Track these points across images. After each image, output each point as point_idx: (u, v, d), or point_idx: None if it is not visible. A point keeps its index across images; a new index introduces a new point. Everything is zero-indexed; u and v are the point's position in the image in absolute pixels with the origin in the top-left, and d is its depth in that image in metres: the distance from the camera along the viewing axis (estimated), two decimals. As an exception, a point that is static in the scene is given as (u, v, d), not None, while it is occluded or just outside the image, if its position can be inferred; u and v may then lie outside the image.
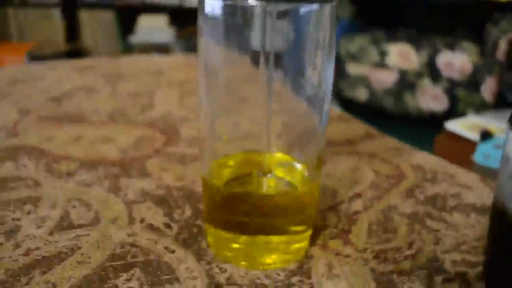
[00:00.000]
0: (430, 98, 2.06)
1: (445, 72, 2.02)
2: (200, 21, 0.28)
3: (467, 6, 2.33)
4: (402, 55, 2.11)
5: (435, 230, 0.35)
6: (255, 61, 0.28)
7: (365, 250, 0.32)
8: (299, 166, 0.32)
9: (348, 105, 2.29)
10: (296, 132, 0.32)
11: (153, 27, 2.63)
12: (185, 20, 2.71)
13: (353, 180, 0.43)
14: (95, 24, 2.70)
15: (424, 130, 2.06)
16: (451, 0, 2.32)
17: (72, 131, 0.52)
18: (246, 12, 0.27)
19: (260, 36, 0.27)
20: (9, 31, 2.73)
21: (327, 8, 0.27)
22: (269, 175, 0.31)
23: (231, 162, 0.33)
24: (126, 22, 2.68)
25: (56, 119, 0.56)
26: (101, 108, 0.60)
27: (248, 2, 0.26)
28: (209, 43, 0.29)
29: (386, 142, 0.52)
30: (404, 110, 2.14)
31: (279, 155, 0.33)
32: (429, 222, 0.36)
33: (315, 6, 0.27)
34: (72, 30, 2.65)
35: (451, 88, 2.02)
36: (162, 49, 2.64)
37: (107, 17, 2.72)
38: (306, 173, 0.32)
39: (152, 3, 2.68)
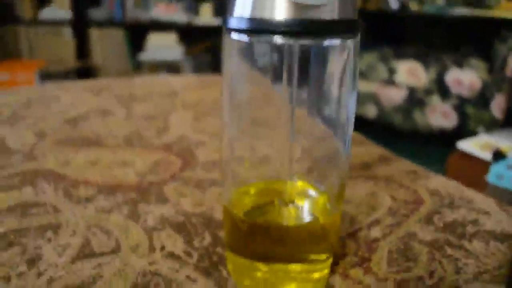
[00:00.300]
0: (439, 115, 2.06)
1: (454, 89, 2.02)
2: (226, 45, 0.28)
3: (473, 23, 2.33)
4: (410, 72, 2.11)
5: (456, 259, 0.35)
6: (279, 84, 0.28)
7: (386, 279, 0.32)
8: (320, 195, 0.33)
9: (357, 122, 2.29)
10: (319, 159, 0.33)
11: (162, 45, 2.66)
12: (194, 38, 2.73)
13: (370, 205, 0.43)
14: (105, 41, 2.74)
15: (434, 147, 2.05)
16: (458, 17, 2.33)
17: (89, 155, 0.52)
18: (271, 45, 0.27)
19: (285, 69, 0.28)
20: (20, 49, 2.77)
21: (351, 41, 0.27)
22: (290, 204, 0.32)
23: (252, 191, 0.33)
24: (136, 39, 2.71)
25: (72, 142, 0.57)
26: (117, 131, 0.61)
27: (273, 36, 0.26)
28: (234, 67, 0.29)
29: (402, 166, 0.52)
30: (414, 127, 2.14)
31: (300, 184, 0.33)
32: (449, 250, 0.36)
33: (338, 41, 0.27)
34: (83, 48, 2.69)
35: (461, 105, 2.02)
36: (171, 66, 2.66)
37: (117, 34, 2.75)
38: (328, 203, 0.32)
39: (162, 21, 2.71)
